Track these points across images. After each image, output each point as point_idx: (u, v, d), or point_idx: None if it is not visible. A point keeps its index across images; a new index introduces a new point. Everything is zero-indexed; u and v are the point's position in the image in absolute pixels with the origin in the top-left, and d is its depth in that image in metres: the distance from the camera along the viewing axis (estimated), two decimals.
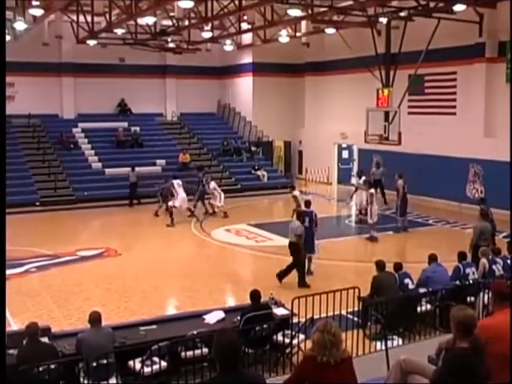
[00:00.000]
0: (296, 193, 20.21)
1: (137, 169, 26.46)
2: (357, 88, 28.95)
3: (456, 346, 5.05)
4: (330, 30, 25.77)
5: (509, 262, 12.28)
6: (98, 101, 32.39)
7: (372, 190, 19.97)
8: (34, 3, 20.03)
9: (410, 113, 25.76)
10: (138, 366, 8.43)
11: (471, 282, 11.52)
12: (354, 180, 28.57)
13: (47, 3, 20.23)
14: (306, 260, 15.06)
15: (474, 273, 11.99)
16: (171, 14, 24.37)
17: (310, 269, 15.24)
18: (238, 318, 9.59)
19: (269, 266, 16.55)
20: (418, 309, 10.89)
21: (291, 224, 14.96)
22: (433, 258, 12.04)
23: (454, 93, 25.16)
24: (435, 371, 5.23)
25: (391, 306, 10.44)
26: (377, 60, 24.18)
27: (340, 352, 5.21)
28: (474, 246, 14.12)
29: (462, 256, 12.35)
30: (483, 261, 12.05)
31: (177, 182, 22.41)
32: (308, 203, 16.06)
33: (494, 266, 11.95)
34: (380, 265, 11.61)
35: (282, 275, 14.37)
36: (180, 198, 22.03)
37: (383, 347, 7.41)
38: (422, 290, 11.38)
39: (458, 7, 20.46)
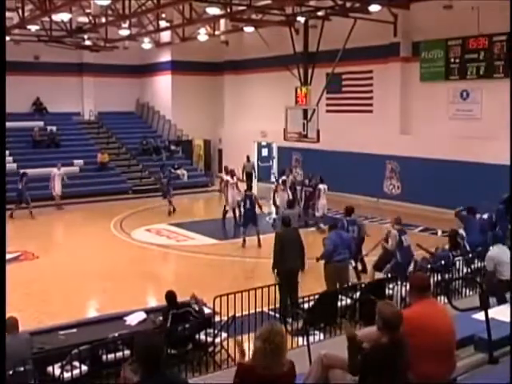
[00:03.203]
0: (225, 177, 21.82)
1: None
2: (276, 86, 29.16)
3: (380, 340, 5.10)
4: (249, 29, 25.89)
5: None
6: (12, 99, 30.63)
7: (321, 186, 20.72)
8: None
9: (328, 111, 26.16)
10: (57, 371, 8.16)
11: (389, 276, 11.84)
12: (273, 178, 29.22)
13: None
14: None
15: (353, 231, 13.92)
16: (87, 10, 23.89)
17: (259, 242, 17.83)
18: (161, 318, 9.51)
19: (190, 265, 16.49)
20: (339, 303, 11.04)
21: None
22: (334, 226, 12.65)
23: (371, 91, 25.73)
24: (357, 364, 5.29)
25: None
26: (295, 59, 24.40)
27: (280, 365, 4.90)
28: None
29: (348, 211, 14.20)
30: (394, 232, 12.50)
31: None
32: (249, 187, 20.10)
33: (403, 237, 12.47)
34: (285, 221, 12.51)
35: None
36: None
37: (305, 343, 7.47)
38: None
39: (373, 7, 20.95)
